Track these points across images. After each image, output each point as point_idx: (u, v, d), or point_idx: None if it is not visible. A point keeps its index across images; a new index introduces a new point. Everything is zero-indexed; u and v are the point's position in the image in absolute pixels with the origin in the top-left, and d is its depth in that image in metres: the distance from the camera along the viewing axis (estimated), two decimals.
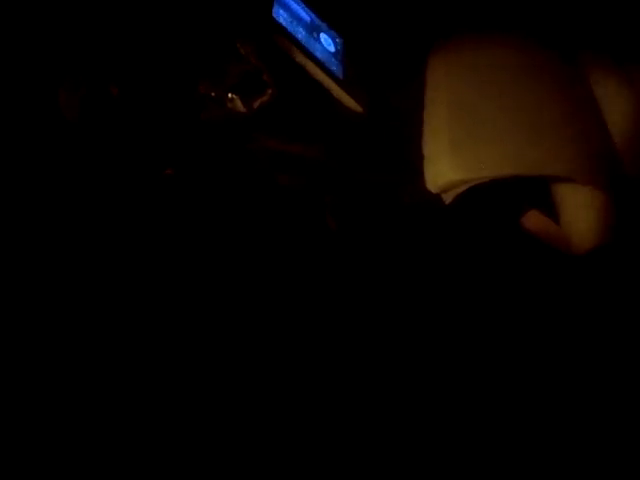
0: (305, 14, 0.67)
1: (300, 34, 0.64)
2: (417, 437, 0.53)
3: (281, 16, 0.63)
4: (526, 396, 0.54)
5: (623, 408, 0.54)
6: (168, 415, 0.52)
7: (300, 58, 0.63)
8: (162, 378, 0.54)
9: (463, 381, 0.55)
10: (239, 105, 0.62)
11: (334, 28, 0.70)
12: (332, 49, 0.67)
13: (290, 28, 0.63)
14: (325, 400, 0.54)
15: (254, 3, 0.62)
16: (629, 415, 0.53)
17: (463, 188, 0.59)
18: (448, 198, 0.60)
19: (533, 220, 0.61)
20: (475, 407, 0.54)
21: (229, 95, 0.62)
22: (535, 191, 0.62)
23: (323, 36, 0.67)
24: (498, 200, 0.61)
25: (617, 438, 0.53)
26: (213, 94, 0.62)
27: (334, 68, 0.65)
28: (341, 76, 0.65)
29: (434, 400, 0.54)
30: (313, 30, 0.66)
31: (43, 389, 0.52)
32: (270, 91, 0.62)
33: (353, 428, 0.53)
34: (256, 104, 0.62)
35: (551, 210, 0.61)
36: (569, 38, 0.69)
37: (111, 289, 0.57)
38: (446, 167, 0.58)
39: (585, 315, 0.57)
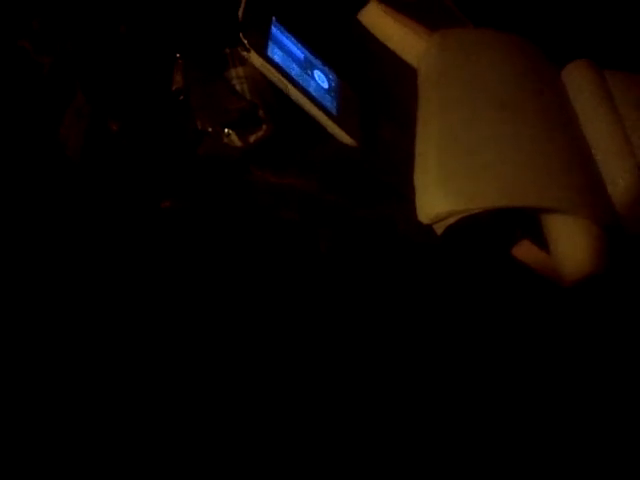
0: (299, 52, 0.69)
1: (294, 71, 0.66)
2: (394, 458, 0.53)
3: (276, 54, 0.65)
4: (514, 428, 0.55)
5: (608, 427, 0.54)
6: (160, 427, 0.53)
7: (294, 94, 0.65)
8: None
9: (455, 409, 0.56)
10: (235, 140, 0.64)
11: (328, 63, 0.72)
12: (325, 85, 0.69)
13: (284, 65, 0.65)
14: (308, 427, 0.54)
15: (249, 42, 0.64)
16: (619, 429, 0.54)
17: (454, 219, 0.60)
18: (440, 229, 0.61)
19: (524, 250, 0.62)
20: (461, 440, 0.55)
21: (226, 130, 0.63)
22: (526, 221, 0.63)
23: (317, 73, 0.69)
24: (490, 230, 0.62)
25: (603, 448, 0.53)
26: (210, 129, 0.64)
27: (328, 104, 0.67)
28: (335, 111, 0.67)
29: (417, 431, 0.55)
30: (307, 67, 0.68)
31: (39, 394, 0.53)
32: (266, 126, 0.64)
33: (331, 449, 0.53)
34: (252, 139, 0.64)
35: (542, 240, 0.62)
36: (557, 45, 0.71)
37: (108, 320, 0.57)
38: (437, 198, 0.59)
39: (575, 345, 0.58)
